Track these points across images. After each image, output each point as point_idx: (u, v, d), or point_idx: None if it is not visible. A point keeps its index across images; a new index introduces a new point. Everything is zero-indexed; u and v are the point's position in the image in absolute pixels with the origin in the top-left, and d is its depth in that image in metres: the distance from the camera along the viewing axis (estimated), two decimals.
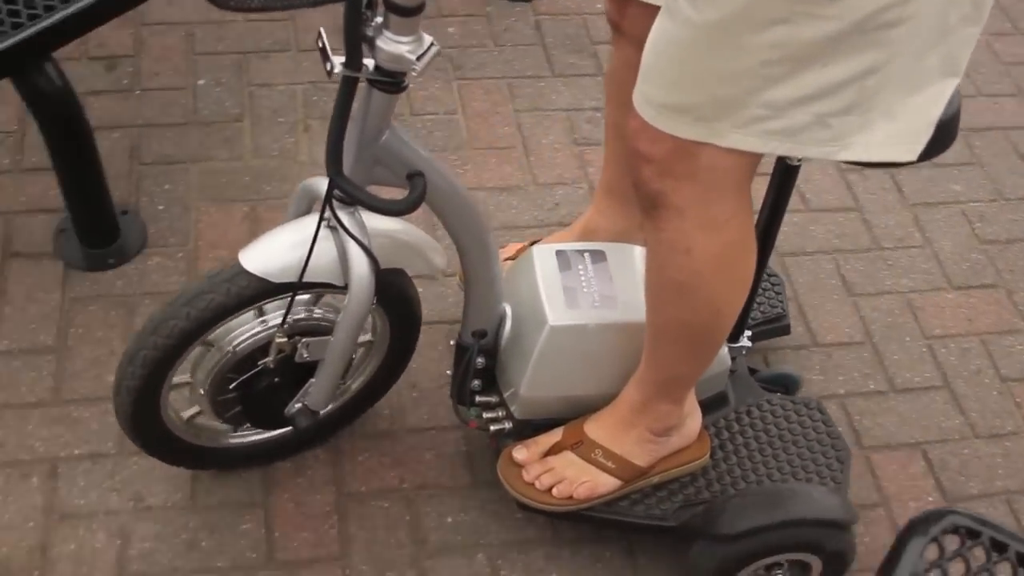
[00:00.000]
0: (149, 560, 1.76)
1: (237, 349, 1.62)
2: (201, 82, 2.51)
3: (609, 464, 1.70)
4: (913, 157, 1.30)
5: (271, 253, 1.53)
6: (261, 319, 1.63)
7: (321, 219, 1.48)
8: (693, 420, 1.74)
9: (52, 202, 2.18)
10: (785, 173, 1.67)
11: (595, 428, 1.72)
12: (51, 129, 1.93)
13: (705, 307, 1.49)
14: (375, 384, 1.86)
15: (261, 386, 1.65)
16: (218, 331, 1.60)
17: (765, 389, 1.93)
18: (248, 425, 1.78)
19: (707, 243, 1.40)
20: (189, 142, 2.37)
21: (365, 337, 1.77)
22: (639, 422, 1.68)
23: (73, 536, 1.77)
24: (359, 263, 1.49)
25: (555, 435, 1.75)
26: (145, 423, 1.65)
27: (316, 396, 1.64)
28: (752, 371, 1.96)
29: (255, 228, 2.22)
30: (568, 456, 1.72)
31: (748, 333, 1.92)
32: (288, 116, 2.47)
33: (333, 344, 1.57)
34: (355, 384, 1.85)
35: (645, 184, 1.36)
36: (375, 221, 1.54)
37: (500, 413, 1.78)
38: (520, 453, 1.74)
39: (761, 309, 2.02)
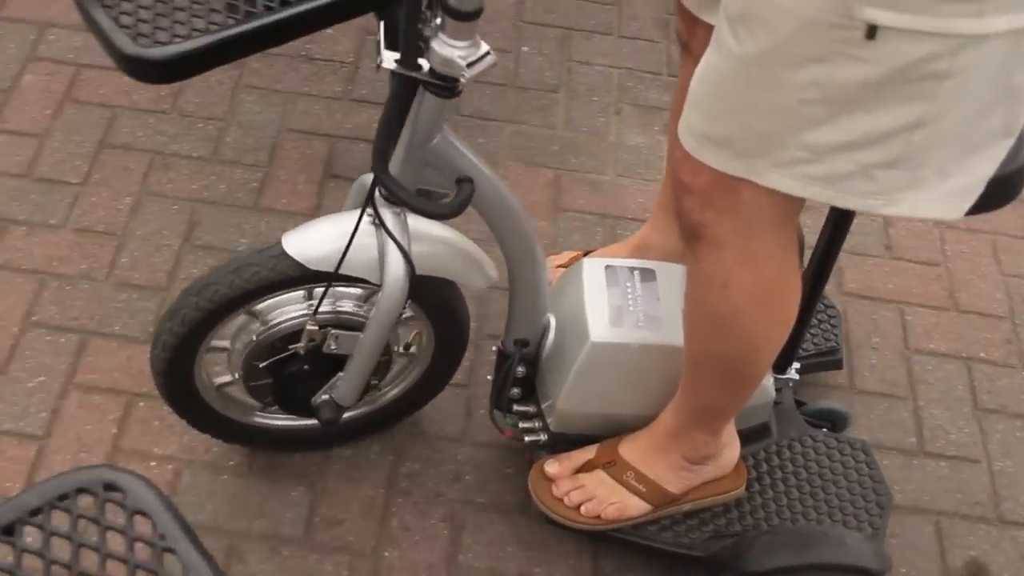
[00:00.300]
0: None
1: (277, 327, 1.62)
2: (525, 49, 2.63)
3: (640, 487, 1.67)
4: (960, 215, 1.25)
5: (313, 240, 1.52)
6: (308, 302, 1.63)
7: (362, 214, 1.47)
8: (730, 450, 1.70)
9: (373, 133, 2.21)
10: (840, 217, 1.62)
11: (629, 450, 1.68)
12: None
13: (741, 343, 1.45)
14: (413, 396, 1.84)
15: (291, 370, 1.64)
16: (266, 304, 1.61)
17: (811, 423, 1.88)
18: (276, 407, 1.76)
19: (745, 279, 1.36)
20: (506, 103, 2.50)
21: (408, 349, 1.76)
22: (674, 448, 1.65)
23: None
24: (395, 264, 1.47)
25: (589, 452, 1.72)
26: (176, 381, 1.66)
27: (343, 391, 1.63)
28: (799, 403, 1.91)
29: (556, 195, 2.33)
30: (600, 475, 1.69)
31: (797, 365, 1.87)
32: (602, 96, 2.55)
33: (362, 341, 1.56)
34: (391, 392, 1.83)
35: (686, 214, 1.33)
36: (424, 226, 1.53)
37: (536, 424, 1.76)
38: (552, 467, 1.72)
39: (814, 341, 1.97)
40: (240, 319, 1.63)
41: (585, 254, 1.94)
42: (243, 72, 2.46)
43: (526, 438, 1.76)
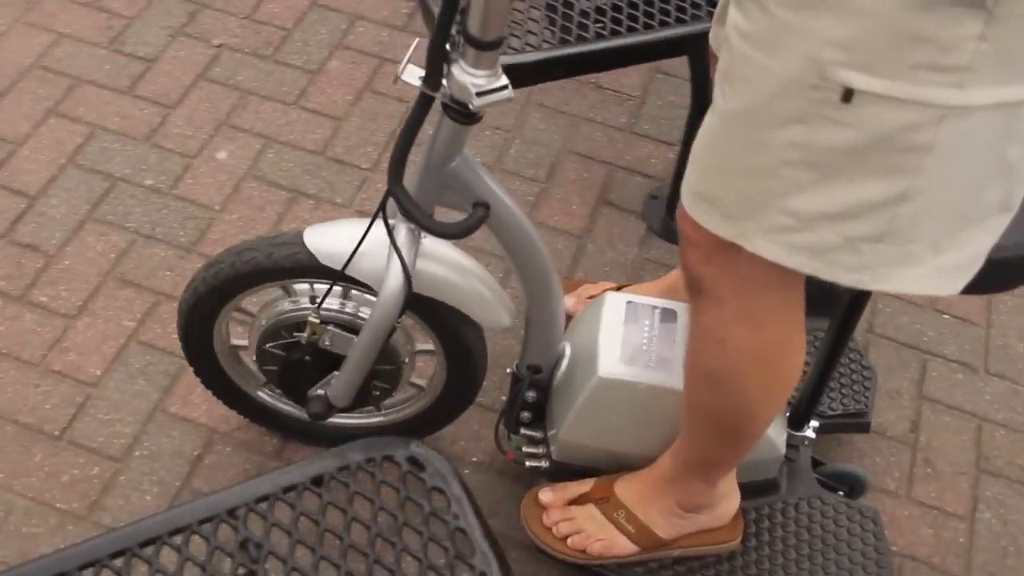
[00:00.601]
0: None
1: (291, 312, 1.66)
2: None
3: (629, 527, 1.66)
4: (955, 291, 1.20)
5: (331, 237, 1.56)
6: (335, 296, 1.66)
7: (372, 221, 1.50)
8: (728, 502, 1.68)
9: (651, 169, 2.42)
10: (854, 298, 1.59)
11: (624, 489, 1.68)
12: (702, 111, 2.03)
13: (736, 400, 1.43)
14: (419, 423, 1.86)
15: (294, 356, 1.67)
16: (302, 287, 1.66)
17: (826, 485, 1.84)
18: (277, 388, 1.80)
19: (743, 336, 1.34)
20: None
21: (417, 381, 1.80)
22: (669, 494, 1.64)
23: None
24: (393, 275, 1.49)
25: (585, 485, 1.72)
26: (196, 327, 1.71)
27: (336, 390, 1.65)
28: (817, 463, 1.87)
29: None
30: (591, 509, 1.69)
31: (815, 424, 1.84)
32: None
33: (355, 344, 1.58)
34: (399, 414, 1.86)
35: (688, 267, 1.32)
36: (441, 249, 1.56)
37: (541, 450, 1.76)
38: (546, 495, 1.72)
39: (843, 401, 1.93)
40: (275, 292, 1.68)
41: (619, 288, 1.94)
42: (534, 90, 2.55)
43: (527, 463, 1.77)
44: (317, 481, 1.28)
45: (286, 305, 1.66)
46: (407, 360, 1.72)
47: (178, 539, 1.20)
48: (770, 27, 1.07)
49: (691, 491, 1.62)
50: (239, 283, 1.63)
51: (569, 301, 1.92)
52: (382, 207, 1.47)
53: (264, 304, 1.70)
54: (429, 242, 1.54)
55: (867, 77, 1.02)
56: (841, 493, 1.86)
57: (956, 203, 1.13)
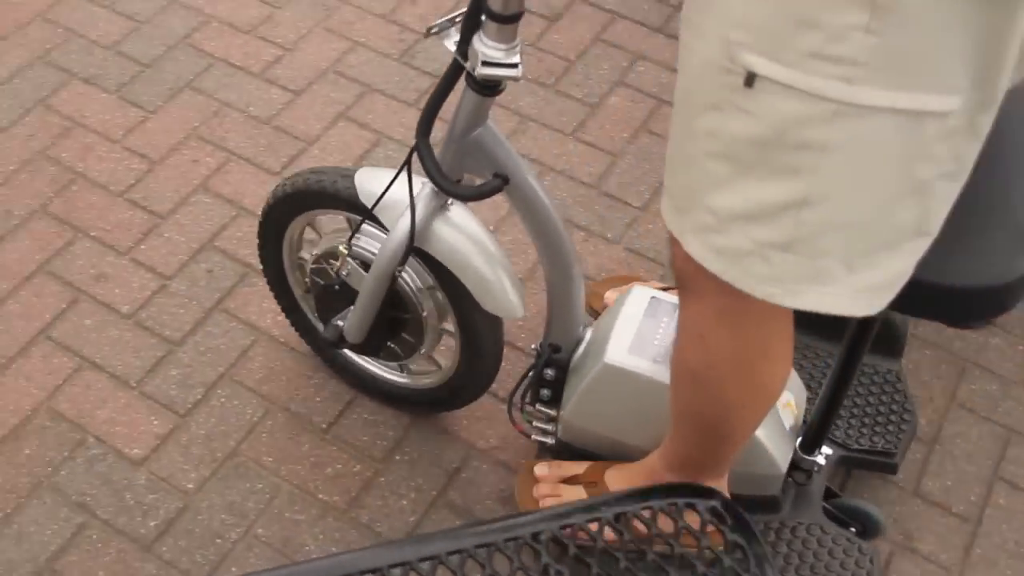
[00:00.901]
0: None
1: (332, 239, 1.78)
2: None
3: None
4: (873, 311, 1.17)
5: (375, 179, 1.66)
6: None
7: (399, 172, 1.59)
8: None
9: None
10: (861, 323, 1.56)
11: (613, 477, 1.71)
12: None
13: (713, 401, 1.43)
14: (429, 397, 1.95)
15: (326, 282, 1.78)
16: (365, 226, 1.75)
17: (837, 518, 1.81)
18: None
19: (723, 336, 1.33)
20: None
21: (440, 360, 1.90)
22: None
23: None
24: (401, 223, 1.58)
25: (580, 467, 1.77)
26: (272, 226, 1.87)
27: (350, 323, 1.76)
28: (832, 494, 1.84)
29: None
30: (578, 491, 1.73)
31: (828, 451, 1.81)
32: None
33: (363, 281, 1.69)
34: (412, 382, 1.95)
35: (675, 261, 1.32)
36: (462, 218, 1.63)
37: (550, 427, 1.82)
38: (541, 469, 1.79)
39: (873, 438, 1.88)
40: (342, 223, 1.80)
41: (666, 289, 1.93)
42: None
43: (534, 436, 1.83)
44: (617, 517, 1.32)
45: (336, 235, 1.78)
46: (429, 324, 1.78)
47: (483, 552, 1.23)
48: (696, 6, 1.09)
49: None
50: (305, 200, 1.76)
51: (612, 295, 1.96)
52: (407, 162, 1.56)
53: (331, 230, 1.82)
54: (457, 210, 1.63)
55: (766, 61, 1.02)
56: (853, 530, 1.81)
57: (864, 218, 1.10)
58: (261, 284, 2.13)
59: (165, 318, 2.12)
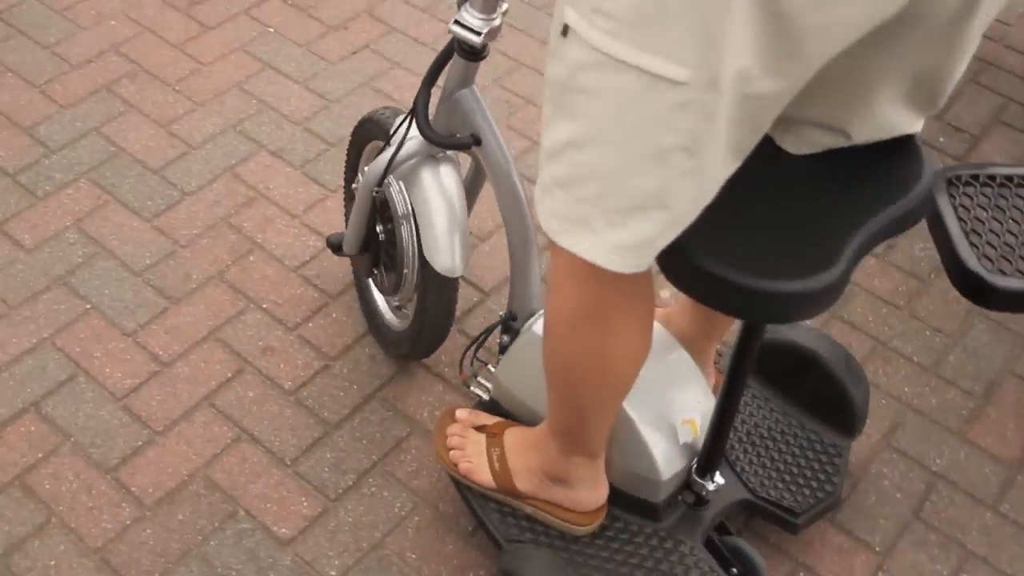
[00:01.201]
0: None
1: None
2: None
3: (496, 466, 1.84)
4: (625, 270, 1.28)
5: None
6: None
7: (406, 118, 1.85)
8: (589, 493, 1.79)
9: None
10: (746, 329, 1.61)
11: (511, 435, 1.87)
12: None
13: (556, 358, 1.56)
14: (405, 337, 2.13)
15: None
16: None
17: (720, 554, 1.83)
18: None
19: (567, 288, 1.43)
20: None
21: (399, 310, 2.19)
22: (537, 453, 1.80)
23: None
24: (384, 155, 1.85)
25: (491, 419, 1.93)
26: (352, 156, 2.20)
27: (346, 233, 2.07)
28: (723, 530, 1.89)
29: None
30: (480, 437, 1.90)
31: (720, 481, 1.83)
32: None
33: (358, 192, 1.97)
34: (396, 320, 2.20)
35: None
36: (444, 175, 1.85)
37: (489, 384, 1.98)
38: (461, 413, 1.97)
39: (783, 492, 1.90)
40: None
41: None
42: None
43: (472, 388, 2.00)
44: None
45: None
46: (406, 256, 1.96)
47: None
48: None
49: (550, 457, 1.76)
50: (371, 131, 2.06)
51: None
52: (413, 111, 1.78)
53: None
54: (446, 167, 1.86)
55: (574, 14, 1.18)
56: (735, 571, 1.83)
57: (616, 171, 1.22)
58: (421, 375, 2.19)
59: (325, 399, 2.16)
